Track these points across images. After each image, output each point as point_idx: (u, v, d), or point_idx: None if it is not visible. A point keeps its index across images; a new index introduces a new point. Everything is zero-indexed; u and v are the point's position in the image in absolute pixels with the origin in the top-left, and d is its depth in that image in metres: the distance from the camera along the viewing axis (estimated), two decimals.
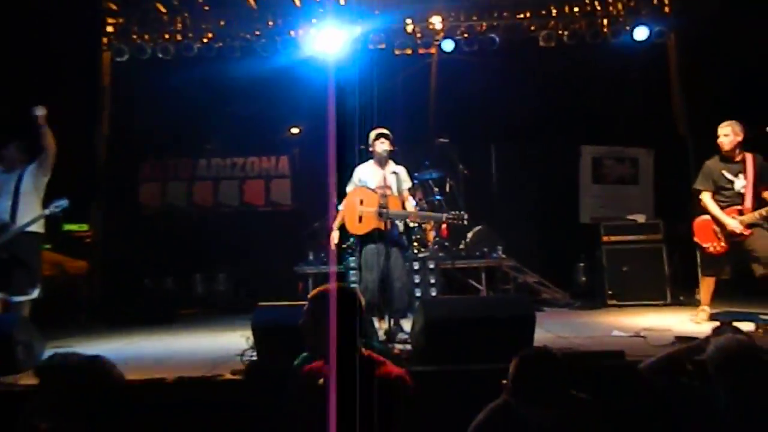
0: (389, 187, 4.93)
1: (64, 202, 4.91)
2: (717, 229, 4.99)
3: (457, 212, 4.82)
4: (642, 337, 4.41)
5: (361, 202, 4.90)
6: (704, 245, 5.09)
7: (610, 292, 6.64)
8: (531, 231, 7.95)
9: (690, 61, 8.09)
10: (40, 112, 4.94)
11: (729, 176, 4.98)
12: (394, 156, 5.18)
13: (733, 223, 4.84)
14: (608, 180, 8.45)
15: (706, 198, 5.06)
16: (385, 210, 4.74)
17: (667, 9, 8.31)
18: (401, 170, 5.09)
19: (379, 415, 2.08)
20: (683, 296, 6.66)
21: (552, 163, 8.17)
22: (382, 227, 4.76)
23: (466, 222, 4.81)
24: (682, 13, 8.02)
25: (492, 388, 2.33)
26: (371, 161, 5.13)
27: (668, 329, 4.71)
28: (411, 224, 6.21)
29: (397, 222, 4.99)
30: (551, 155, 8.14)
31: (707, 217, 5.07)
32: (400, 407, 2.18)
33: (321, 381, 2.22)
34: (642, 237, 6.80)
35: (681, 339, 4.04)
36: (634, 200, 8.14)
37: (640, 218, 7.04)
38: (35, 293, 4.93)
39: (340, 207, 5.13)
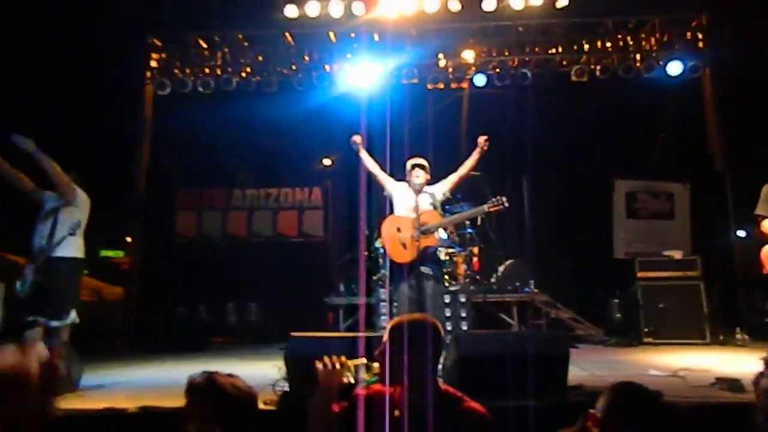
0: (427, 210, 4.95)
1: (77, 223, 5.02)
2: None
3: (497, 198, 4.79)
4: (680, 377, 4.29)
5: (399, 230, 4.92)
6: None
7: (646, 330, 6.49)
8: (564, 266, 7.86)
9: (725, 95, 8.01)
10: (28, 144, 4.97)
11: None
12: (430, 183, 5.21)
13: None
14: (643, 215, 8.33)
15: None
16: (423, 227, 4.76)
17: (701, 44, 8.28)
18: (435, 188, 5.10)
19: None
20: (723, 335, 6.48)
21: (585, 197, 8.10)
22: (428, 245, 4.78)
23: (506, 205, 4.76)
24: (717, 48, 7.99)
25: (522, 425, 2.29)
26: (406, 185, 5.15)
27: (707, 370, 4.57)
28: (442, 257, 6.19)
29: (438, 236, 4.97)
30: (584, 189, 8.08)
31: None
32: None
33: (397, 413, 2.18)
34: (679, 273, 6.67)
35: (722, 380, 3.91)
36: (670, 236, 8.01)
37: (677, 254, 6.91)
38: (72, 318, 5.05)
39: (379, 242, 5.11)
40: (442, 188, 5.13)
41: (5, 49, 6.75)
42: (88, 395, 4.18)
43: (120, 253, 9.33)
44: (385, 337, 2.29)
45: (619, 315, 7.33)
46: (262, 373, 4.34)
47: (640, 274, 6.73)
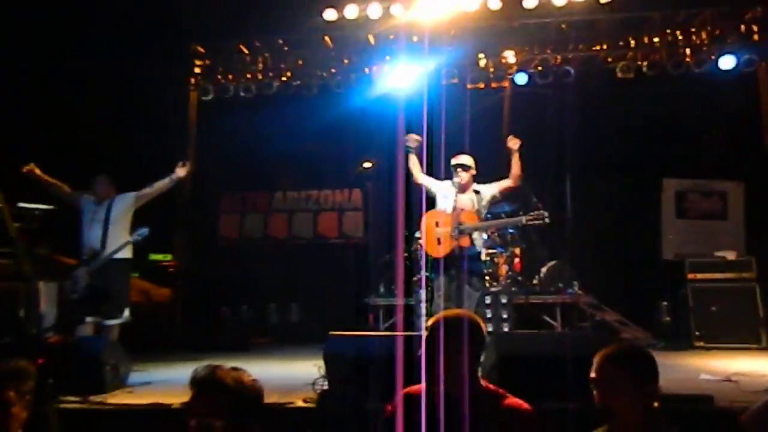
0: (463, 209, 4.91)
1: (145, 231, 5.22)
2: None
3: (537, 212, 4.72)
4: (733, 382, 4.10)
5: (437, 224, 4.91)
6: None
7: (697, 334, 6.26)
8: (609, 267, 7.64)
9: None
10: (183, 172, 5.39)
11: None
12: (477, 179, 5.15)
13: None
14: (693, 215, 8.04)
15: None
16: (460, 226, 4.72)
17: (756, 36, 7.94)
18: (484, 188, 5.05)
19: None
20: None
21: (632, 197, 7.89)
22: (461, 245, 4.74)
23: (547, 220, 4.69)
24: None
25: (562, 427, 2.23)
26: (450, 183, 5.10)
27: (763, 375, 4.36)
28: (483, 258, 6.11)
29: (476, 245, 4.92)
30: (631, 189, 7.86)
31: None
32: None
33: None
34: (732, 275, 6.40)
35: None
36: (722, 236, 7.69)
37: (730, 255, 6.63)
38: (124, 317, 5.22)
39: (419, 233, 5.14)
40: (492, 190, 5.08)
41: (53, 57, 7.04)
42: (136, 391, 4.29)
43: (168, 256, 9.55)
44: (424, 335, 2.28)
45: (668, 318, 7.08)
46: (302, 372, 4.37)
47: (690, 276, 6.50)
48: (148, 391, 4.28)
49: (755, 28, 7.94)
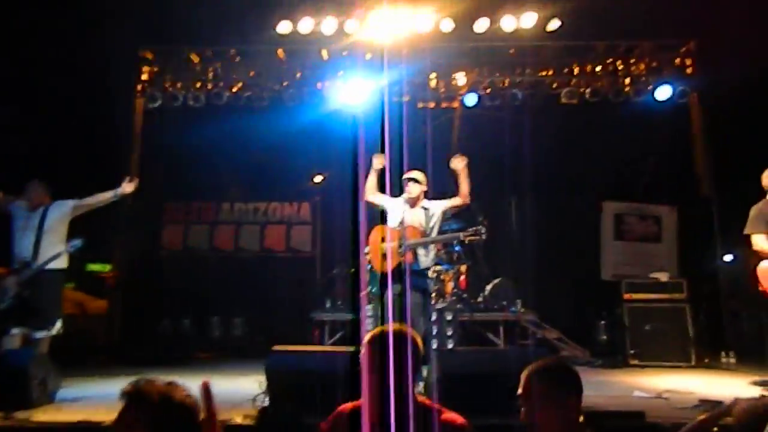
0: (411, 225, 4.95)
1: (78, 242, 5.00)
2: None
3: (476, 228, 4.80)
4: (664, 398, 4.27)
5: (383, 239, 4.92)
6: None
7: (632, 352, 6.48)
8: (551, 286, 7.84)
9: (713, 120, 8.12)
10: (129, 188, 5.24)
11: None
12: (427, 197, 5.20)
13: None
14: (631, 237, 8.37)
15: (761, 240, 4.65)
16: (404, 242, 4.76)
17: (689, 70, 8.41)
18: (434, 205, 5.08)
19: None
20: (708, 358, 6.48)
21: (573, 218, 8.14)
22: (405, 261, 4.77)
23: (483, 236, 4.76)
24: (705, 73, 8.11)
25: None
26: (401, 199, 5.14)
27: (692, 392, 4.56)
28: (431, 274, 6.16)
29: (420, 259, 4.94)
30: (573, 210, 8.12)
31: None
32: None
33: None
34: (665, 296, 6.67)
35: (705, 402, 3.90)
36: (657, 258, 8.04)
37: (663, 276, 6.93)
38: (55, 329, 4.98)
39: (367, 249, 5.13)
40: (442, 207, 5.12)
41: None
42: (65, 407, 4.10)
43: (107, 267, 9.22)
44: (363, 350, 2.27)
45: (605, 336, 7.32)
46: (244, 387, 4.28)
47: (626, 296, 6.74)
48: (77, 408, 4.10)
49: (688, 62, 8.42)
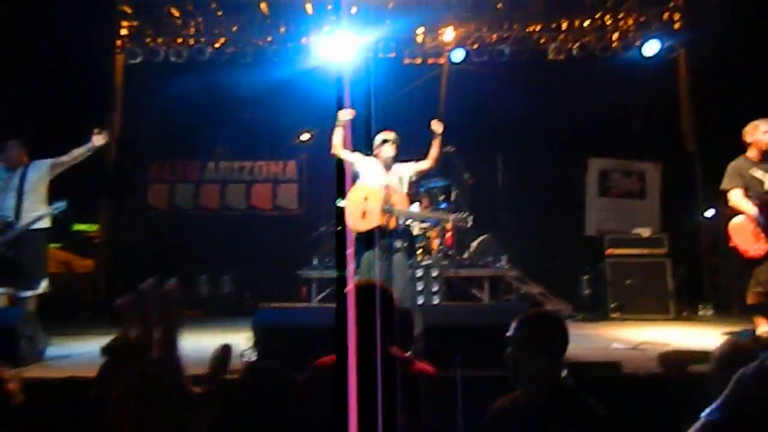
0: (393, 188, 4.92)
1: (62, 205, 4.98)
2: (757, 229, 4.55)
3: (463, 214, 4.85)
4: (640, 350, 4.41)
5: (366, 199, 4.88)
6: (745, 249, 4.60)
7: (612, 305, 6.63)
8: (536, 242, 7.95)
9: (699, 76, 8.11)
10: (100, 140, 5.04)
11: (759, 175, 4.67)
12: (399, 159, 5.16)
13: None
14: (615, 193, 8.45)
15: (737, 196, 4.65)
16: (389, 206, 4.75)
17: (677, 25, 8.34)
18: (405, 169, 5.07)
19: (408, 412, 2.10)
20: (686, 311, 6.66)
21: (559, 174, 8.18)
22: (386, 224, 4.77)
23: (470, 224, 4.82)
24: (692, 29, 8.05)
25: (489, 394, 2.35)
26: (376, 159, 5.10)
27: (668, 343, 4.70)
28: (415, 232, 6.21)
29: (401, 222, 4.96)
30: (558, 167, 8.15)
31: (742, 217, 4.65)
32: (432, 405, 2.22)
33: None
34: (646, 251, 6.79)
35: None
36: (640, 214, 8.14)
37: (646, 232, 7.03)
38: (41, 288, 5.00)
39: (342, 202, 5.07)
40: (411, 171, 5.10)
41: None
42: (53, 365, 4.16)
43: (93, 227, 9.17)
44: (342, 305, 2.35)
45: (588, 291, 7.47)
46: (232, 344, 4.33)
47: (608, 251, 6.85)
48: (65, 365, 4.16)
49: (676, 17, 8.35)
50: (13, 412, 2.22)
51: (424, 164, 5.11)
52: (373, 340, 2.20)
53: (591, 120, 8.05)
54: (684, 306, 6.70)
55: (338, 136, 5.01)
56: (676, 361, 2.63)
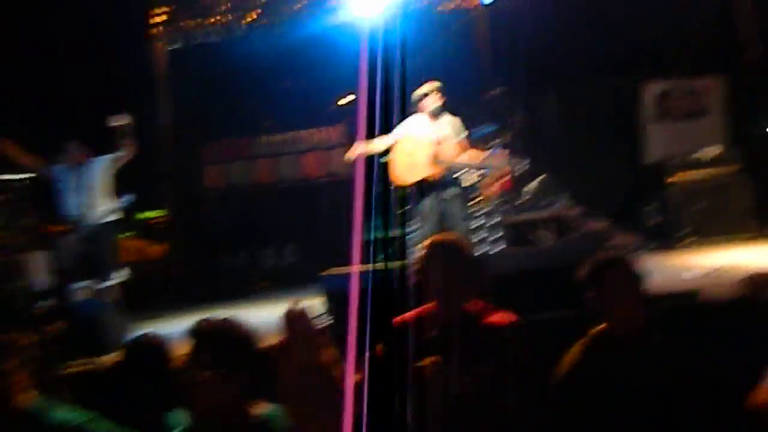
0: (443, 138, 4.85)
1: (130, 197, 5.22)
2: None
3: (518, 157, 4.74)
4: (717, 276, 4.24)
5: (413, 151, 4.83)
6: None
7: (683, 232, 6.39)
8: (596, 176, 7.70)
9: None
10: (124, 120, 5.14)
11: None
12: (445, 109, 5.05)
13: None
14: (674, 116, 8.04)
15: None
16: (441, 158, 4.69)
17: None
18: (456, 121, 4.98)
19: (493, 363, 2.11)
20: (765, 229, 6.34)
21: (613, 102, 7.85)
22: (436, 176, 4.72)
23: (526, 167, 4.72)
24: None
25: (562, 338, 2.32)
26: (420, 114, 5.01)
27: (746, 267, 4.49)
28: (471, 180, 6.11)
29: (453, 172, 4.89)
30: (612, 95, 7.82)
31: None
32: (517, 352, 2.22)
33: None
34: (715, 171, 6.47)
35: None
36: (703, 134, 7.72)
37: (711, 152, 6.68)
38: (120, 277, 5.27)
39: (388, 157, 5.00)
40: (461, 132, 4.98)
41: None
42: None
43: (156, 213, 9.53)
44: (416, 263, 2.34)
45: (655, 220, 7.21)
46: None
47: (674, 176, 6.57)
48: None
49: None
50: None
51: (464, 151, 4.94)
52: (449, 292, 2.20)
53: (643, 41, 7.64)
54: (761, 224, 6.38)
55: (365, 146, 4.82)
56: (762, 283, 2.52)
